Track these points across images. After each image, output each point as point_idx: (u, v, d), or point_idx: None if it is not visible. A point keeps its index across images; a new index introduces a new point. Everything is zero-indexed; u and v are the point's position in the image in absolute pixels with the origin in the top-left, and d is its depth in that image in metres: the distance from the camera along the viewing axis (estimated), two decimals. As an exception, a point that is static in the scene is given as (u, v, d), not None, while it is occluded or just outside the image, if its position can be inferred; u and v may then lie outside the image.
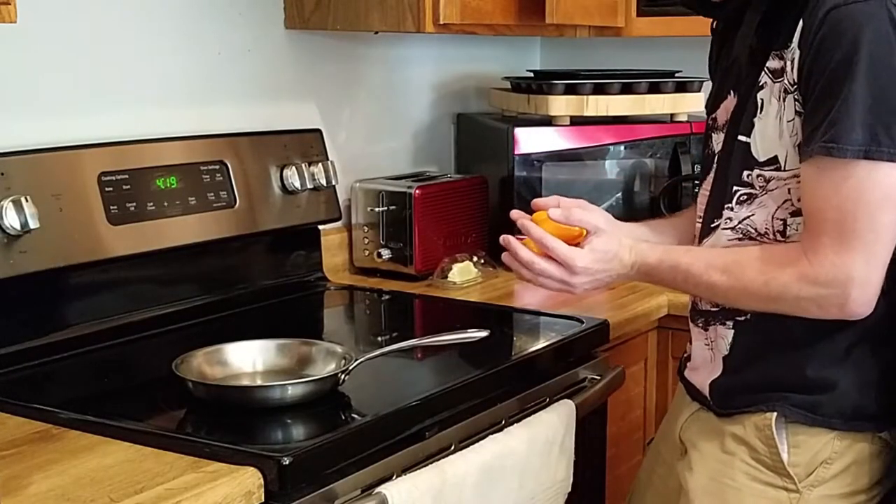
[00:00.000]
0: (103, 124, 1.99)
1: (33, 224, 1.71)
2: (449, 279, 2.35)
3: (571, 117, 2.55)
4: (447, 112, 2.83)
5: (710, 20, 1.76)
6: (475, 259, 2.41)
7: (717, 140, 1.66)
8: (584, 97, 2.52)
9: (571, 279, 1.64)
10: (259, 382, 1.68)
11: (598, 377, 1.93)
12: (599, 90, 2.55)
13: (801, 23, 1.47)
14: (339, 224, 2.42)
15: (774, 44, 1.52)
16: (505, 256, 1.70)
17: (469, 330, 1.76)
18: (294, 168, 2.21)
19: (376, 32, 2.31)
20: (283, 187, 2.20)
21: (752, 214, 1.57)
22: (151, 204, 1.94)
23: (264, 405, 1.57)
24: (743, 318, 1.61)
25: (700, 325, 1.68)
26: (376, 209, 2.42)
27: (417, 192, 2.39)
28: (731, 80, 1.64)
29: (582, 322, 2.00)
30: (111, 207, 1.87)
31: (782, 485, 1.58)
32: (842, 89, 1.42)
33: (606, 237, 1.65)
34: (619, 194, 2.60)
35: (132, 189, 1.92)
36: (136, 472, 1.36)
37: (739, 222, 1.59)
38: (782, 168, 1.53)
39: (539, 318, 2.13)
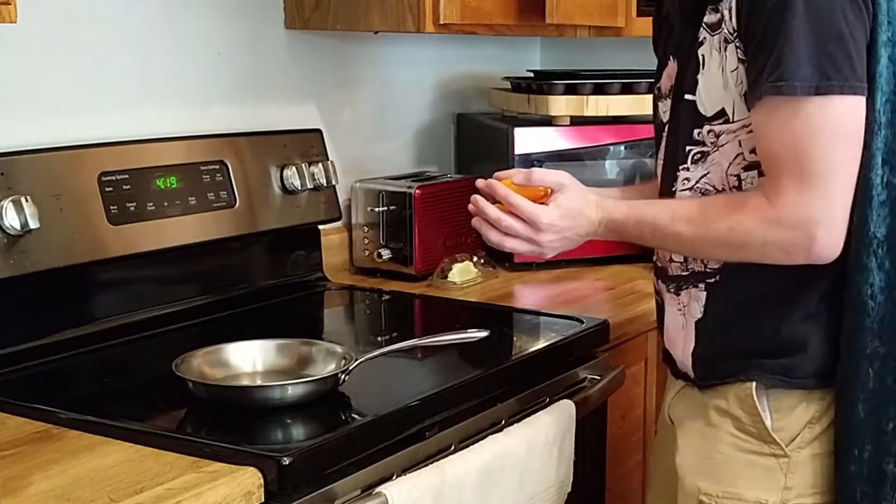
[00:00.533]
0: (103, 124, 1.99)
1: (33, 224, 1.71)
2: (449, 279, 2.35)
3: (571, 117, 2.55)
4: (447, 112, 2.83)
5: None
6: (475, 259, 2.41)
7: (664, 108, 1.66)
8: (584, 97, 2.52)
9: (538, 237, 1.62)
10: (259, 382, 1.67)
11: (598, 377, 1.93)
12: (599, 90, 2.55)
13: None
14: (339, 224, 2.42)
15: None
16: (474, 220, 1.67)
17: (469, 330, 1.76)
18: (294, 168, 2.21)
19: (376, 32, 2.31)
20: (283, 187, 2.20)
21: (708, 172, 1.56)
22: (151, 204, 1.94)
23: (264, 405, 1.57)
24: (714, 280, 1.59)
25: (672, 290, 1.66)
26: (376, 209, 2.42)
27: (417, 192, 2.39)
28: (671, 47, 1.65)
29: (582, 322, 2.00)
30: (111, 207, 1.87)
31: (770, 452, 1.57)
32: (782, 28, 1.41)
33: (571, 194, 1.63)
34: (619, 194, 2.60)
35: (132, 189, 1.92)
36: (136, 472, 1.36)
37: (697, 181, 1.58)
38: (731, 120, 1.52)
39: (539, 318, 2.13)
